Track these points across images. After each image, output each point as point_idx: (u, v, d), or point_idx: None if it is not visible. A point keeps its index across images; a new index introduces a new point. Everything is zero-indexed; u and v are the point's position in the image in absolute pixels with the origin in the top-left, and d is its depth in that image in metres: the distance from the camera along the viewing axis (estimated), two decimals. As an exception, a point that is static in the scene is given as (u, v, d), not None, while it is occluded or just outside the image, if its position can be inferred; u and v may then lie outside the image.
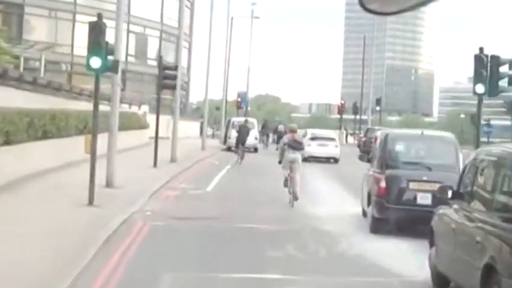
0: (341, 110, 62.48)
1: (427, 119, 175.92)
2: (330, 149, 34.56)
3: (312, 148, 33.23)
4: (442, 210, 8.61)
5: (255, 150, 38.86)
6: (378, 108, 65.10)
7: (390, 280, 9.29)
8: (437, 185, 9.45)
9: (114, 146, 17.42)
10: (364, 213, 14.26)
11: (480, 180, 7.75)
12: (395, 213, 12.46)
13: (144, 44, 51.59)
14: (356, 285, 9.22)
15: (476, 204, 7.66)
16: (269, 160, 31.38)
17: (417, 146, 13.45)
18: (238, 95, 60.40)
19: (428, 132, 15.00)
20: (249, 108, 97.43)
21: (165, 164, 25.21)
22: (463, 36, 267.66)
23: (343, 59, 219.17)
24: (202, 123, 42.68)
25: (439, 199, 9.21)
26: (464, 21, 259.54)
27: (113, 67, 14.27)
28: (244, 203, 16.75)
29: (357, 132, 63.15)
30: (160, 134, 31.12)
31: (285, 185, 16.48)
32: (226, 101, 61.84)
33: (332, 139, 35.55)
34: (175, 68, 25.34)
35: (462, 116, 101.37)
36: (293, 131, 17.22)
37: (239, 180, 22.54)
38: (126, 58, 51.54)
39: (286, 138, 16.84)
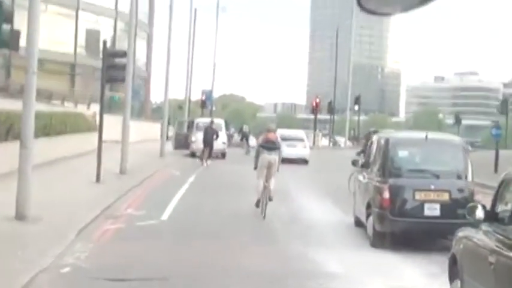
0: (316, 109, 57.28)
1: (394, 119, 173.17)
2: (299, 150, 33.73)
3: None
4: (467, 232, 6.94)
5: (223, 156, 33.84)
6: (356, 107, 60.41)
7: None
8: (446, 194, 10.09)
9: (28, 160, 12.09)
10: (357, 223, 13.27)
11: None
12: (400, 226, 11.40)
13: (96, 35, 45.71)
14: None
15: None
16: (242, 169, 26.56)
17: (422, 151, 12.06)
18: (203, 93, 54.89)
19: (432, 135, 12.73)
20: (214, 108, 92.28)
21: (112, 178, 19.91)
22: (429, 35, 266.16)
23: (308, 58, 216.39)
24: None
25: (448, 210, 9.19)
26: (431, 20, 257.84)
27: (8, 40, 8.93)
28: (214, 245, 11.38)
29: (322, 132, 58.64)
30: (113, 138, 25.90)
31: (257, 206, 14.70)
32: (190, 100, 56.60)
33: (301, 139, 34.53)
34: (124, 54, 19.88)
35: (440, 115, 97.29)
36: (270, 131, 15.67)
37: (206, 201, 17.14)
38: (75, 50, 45.90)
39: (260, 139, 15.77)
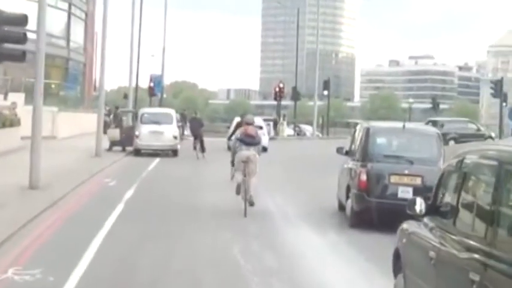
0: (279, 95, 51.37)
1: (349, 104, 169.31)
2: None
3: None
4: (409, 226, 6.62)
5: (174, 153, 27.97)
6: (325, 92, 54.84)
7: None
8: (419, 179, 11.80)
9: None
10: (340, 207, 13.99)
11: (472, 191, 5.40)
12: (375, 207, 12.09)
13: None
14: None
15: (465, 226, 5.27)
16: (200, 174, 21.06)
17: (399, 139, 13.09)
18: (151, 78, 48.36)
19: (409, 125, 14.64)
20: (164, 96, 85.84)
21: (12, 197, 13.96)
22: (383, 19, 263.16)
23: (261, 45, 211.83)
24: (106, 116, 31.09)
25: (420, 193, 9.02)
26: (385, 4, 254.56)
27: None
28: None
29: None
30: (44, 134, 20.21)
31: (238, 192, 13.87)
32: (137, 88, 50.42)
33: (259, 127, 31.62)
34: (23, 20, 13.53)
35: (410, 100, 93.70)
36: (248, 123, 14.50)
37: (146, 246, 10.57)
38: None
39: (239, 133, 14.70)
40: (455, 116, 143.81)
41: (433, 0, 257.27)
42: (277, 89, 52.76)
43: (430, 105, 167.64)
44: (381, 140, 13.05)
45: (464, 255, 5.06)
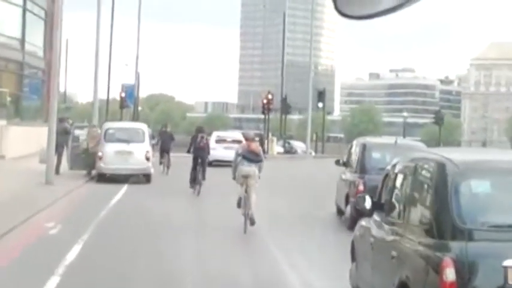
0: (268, 107, 45.90)
1: (330, 117, 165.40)
2: None
3: (218, 152, 30.98)
4: (362, 221, 8.11)
5: (147, 179, 22.68)
6: (320, 104, 49.52)
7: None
8: None
9: None
10: (339, 212, 15.81)
11: (399, 189, 7.12)
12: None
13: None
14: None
15: (394, 217, 6.97)
16: (187, 211, 16.13)
17: (391, 153, 13.33)
18: (123, 88, 42.80)
19: (401, 140, 16.25)
20: (139, 108, 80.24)
21: None
22: (363, 32, 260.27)
23: (239, 56, 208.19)
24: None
25: None
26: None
27: None
28: None
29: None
30: None
31: (239, 206, 13.78)
32: (108, 98, 45.17)
33: (239, 141, 29.79)
34: None
35: (405, 114, 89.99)
36: (250, 140, 14.29)
37: None
38: None
39: (240, 148, 14.45)
40: (437, 130, 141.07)
41: (413, 13, 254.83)
42: (265, 101, 47.37)
43: (413, 119, 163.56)
44: (375, 154, 14.72)
45: (390, 238, 6.83)
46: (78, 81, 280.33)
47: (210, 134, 37.86)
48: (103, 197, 18.23)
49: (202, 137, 21.28)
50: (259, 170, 13.93)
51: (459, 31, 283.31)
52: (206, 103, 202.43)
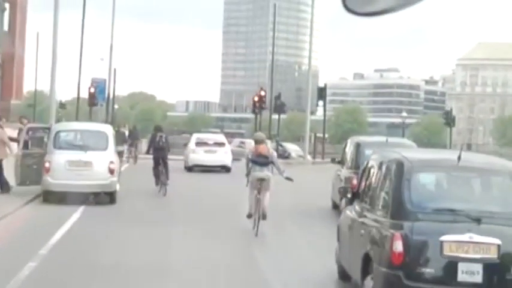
0: (260, 105, 41.26)
1: (313, 117, 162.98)
2: (219, 156, 29.76)
3: (198, 155, 29.45)
4: (347, 209, 9.27)
5: (111, 198, 17.20)
6: (320, 102, 45.22)
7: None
8: None
9: None
10: (334, 206, 16.66)
11: (368, 181, 8.58)
12: None
13: None
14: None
15: (365, 202, 8.37)
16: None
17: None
18: (93, 83, 38.72)
19: (392, 139, 17.24)
20: (116, 106, 76.42)
21: None
22: (347, 31, 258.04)
23: (222, 55, 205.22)
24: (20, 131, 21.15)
25: None
26: (349, 17, 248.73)
27: None
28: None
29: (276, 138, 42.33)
30: None
31: (249, 217, 13.41)
32: (79, 95, 41.65)
33: (221, 144, 30.69)
34: None
35: (404, 114, 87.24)
36: (259, 142, 13.80)
37: None
38: None
39: (250, 153, 14.02)
40: (422, 131, 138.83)
41: (398, 13, 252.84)
42: (256, 98, 42.29)
43: (398, 120, 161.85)
44: (368, 152, 14.60)
45: (360, 220, 8.23)
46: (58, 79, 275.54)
47: (191, 134, 34.42)
48: (43, 229, 13.19)
49: (161, 136, 20.12)
50: (279, 171, 13.69)
51: (444, 32, 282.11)
52: (188, 102, 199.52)
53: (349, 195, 9.16)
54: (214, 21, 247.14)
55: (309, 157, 42.77)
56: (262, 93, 42.50)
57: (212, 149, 29.94)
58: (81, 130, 18.95)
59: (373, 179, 8.30)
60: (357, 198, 8.78)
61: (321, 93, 44.06)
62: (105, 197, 17.17)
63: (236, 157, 35.48)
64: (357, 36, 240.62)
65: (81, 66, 38.10)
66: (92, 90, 37.45)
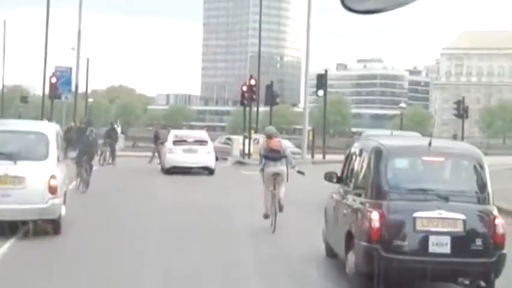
0: (250, 96, 35.87)
1: (296, 109, 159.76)
2: (200, 157, 26.70)
3: (176, 155, 26.34)
4: (333, 193, 10.21)
5: (54, 227, 11.93)
6: (320, 92, 41.45)
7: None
8: None
9: None
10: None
11: (349, 166, 9.63)
12: None
13: None
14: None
15: (348, 185, 9.44)
16: None
17: None
18: (56, 72, 34.44)
19: (396, 132, 18.51)
20: (90, 99, 72.07)
21: None
22: (330, 22, 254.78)
23: (202, 47, 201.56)
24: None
25: None
26: (330, 7, 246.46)
27: None
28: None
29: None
30: None
31: (266, 217, 13.17)
32: (44, 86, 37.98)
33: (203, 142, 27.78)
34: None
35: (403, 105, 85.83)
36: (269, 137, 13.66)
37: None
38: None
39: (262, 148, 14.01)
40: (407, 122, 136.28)
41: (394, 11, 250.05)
42: (244, 88, 36.83)
43: (381, 111, 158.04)
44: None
45: (343, 201, 9.34)
46: (35, 73, 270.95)
47: (169, 130, 30.51)
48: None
49: (92, 131, 19.10)
50: (290, 165, 13.52)
51: (427, 21, 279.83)
52: (168, 95, 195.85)
53: (334, 180, 9.99)
54: (194, 13, 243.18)
55: (307, 155, 38.29)
56: (253, 82, 37.06)
57: (192, 148, 26.69)
58: (10, 131, 13.01)
59: (355, 165, 9.42)
60: (341, 182, 9.83)
61: (321, 80, 39.63)
62: (43, 226, 11.95)
63: (222, 156, 32.40)
64: (340, 26, 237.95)
65: (47, 55, 34.26)
66: (54, 80, 32.94)
